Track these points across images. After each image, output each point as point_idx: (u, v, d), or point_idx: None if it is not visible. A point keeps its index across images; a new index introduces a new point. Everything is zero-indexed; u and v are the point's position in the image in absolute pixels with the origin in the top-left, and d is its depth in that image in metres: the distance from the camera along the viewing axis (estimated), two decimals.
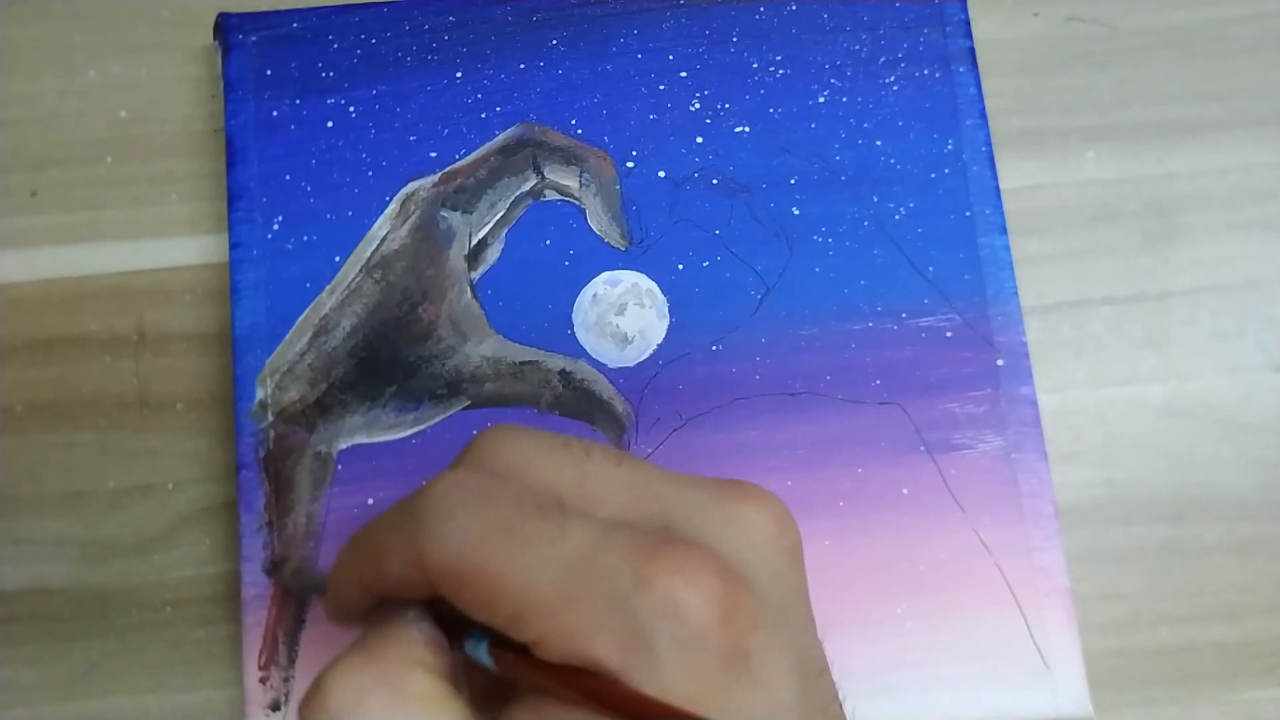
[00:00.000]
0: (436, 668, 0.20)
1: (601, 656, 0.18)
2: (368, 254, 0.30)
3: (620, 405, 0.30)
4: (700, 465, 0.29)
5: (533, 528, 0.19)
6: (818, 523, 0.29)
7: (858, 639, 0.28)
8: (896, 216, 0.30)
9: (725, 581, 0.18)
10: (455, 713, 0.19)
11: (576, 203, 0.31)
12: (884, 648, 0.28)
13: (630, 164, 0.31)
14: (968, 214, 0.30)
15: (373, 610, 0.21)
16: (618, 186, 0.31)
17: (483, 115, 0.31)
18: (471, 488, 0.19)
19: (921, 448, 0.29)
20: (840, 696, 0.20)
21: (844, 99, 0.31)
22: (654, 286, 0.30)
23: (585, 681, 0.18)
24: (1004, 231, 0.30)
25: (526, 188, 0.31)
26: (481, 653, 0.19)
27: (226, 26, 0.32)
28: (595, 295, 0.30)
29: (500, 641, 0.19)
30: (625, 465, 0.21)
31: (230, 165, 0.31)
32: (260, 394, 0.29)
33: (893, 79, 0.31)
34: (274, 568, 0.28)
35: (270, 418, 0.29)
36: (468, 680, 0.20)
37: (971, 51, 0.32)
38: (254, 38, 0.31)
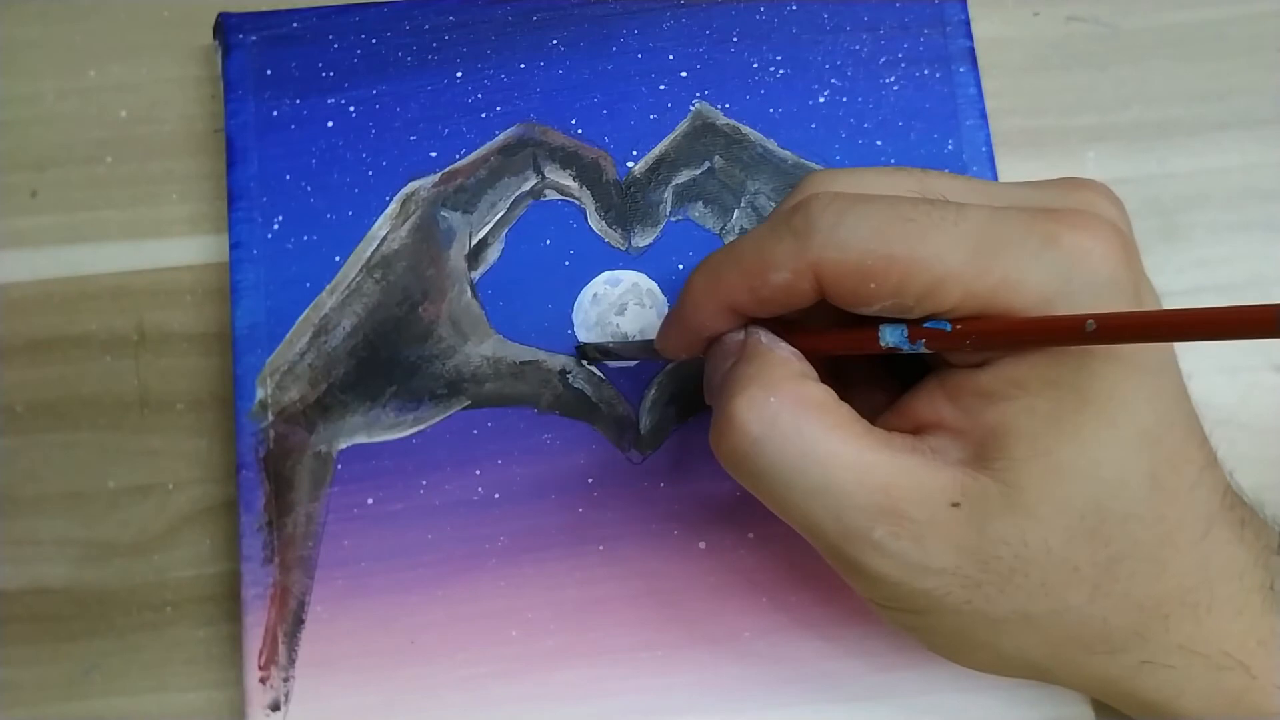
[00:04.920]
0: (815, 377, 0.22)
1: (1025, 309, 0.20)
2: (368, 254, 0.30)
3: (621, 405, 0.30)
4: (700, 465, 0.29)
5: (929, 214, 0.20)
6: None
7: (857, 639, 0.28)
8: None
9: (1118, 233, 0.21)
10: (846, 410, 0.22)
11: (576, 203, 0.31)
12: (884, 647, 0.28)
13: (630, 164, 0.31)
14: None
15: (711, 342, 0.24)
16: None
17: (483, 115, 0.31)
18: (847, 198, 0.21)
19: None
20: None
21: (844, 99, 0.31)
22: (654, 286, 0.30)
23: (1056, 321, 0.20)
24: None
25: (526, 187, 0.31)
26: (899, 336, 0.21)
27: (226, 26, 0.32)
28: (595, 295, 0.30)
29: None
30: (961, 178, 0.23)
31: (230, 165, 0.31)
32: (260, 394, 0.29)
33: (893, 79, 0.31)
34: (580, 350, 0.30)
35: (270, 418, 0.29)
36: None
37: (971, 51, 0.32)
38: (254, 38, 0.31)
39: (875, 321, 0.22)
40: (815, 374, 0.22)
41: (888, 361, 0.25)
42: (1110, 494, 0.21)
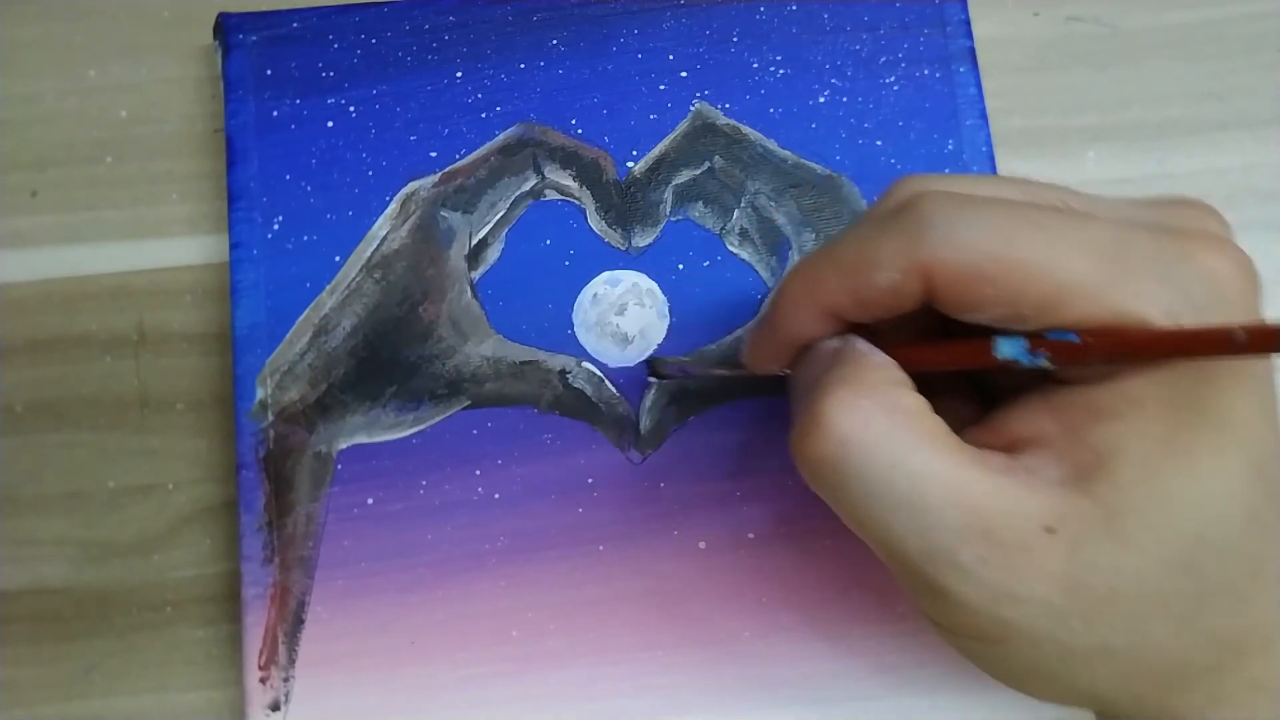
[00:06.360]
0: (911, 386, 0.21)
1: (1154, 324, 0.19)
2: (368, 254, 0.30)
3: (621, 405, 0.30)
4: (700, 465, 0.29)
5: (1055, 220, 0.20)
6: (818, 522, 0.29)
7: (858, 639, 0.28)
8: None
9: (1245, 257, 0.20)
10: (939, 423, 0.21)
11: (576, 203, 0.31)
12: (885, 648, 0.28)
13: (630, 164, 0.31)
14: None
15: (802, 352, 0.23)
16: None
17: (483, 115, 0.31)
18: (963, 198, 0.20)
19: None
20: None
21: (844, 99, 0.31)
22: (654, 286, 0.30)
23: (1200, 333, 0.18)
24: None
25: (526, 188, 0.31)
26: (1018, 349, 0.20)
27: (226, 26, 0.32)
28: (595, 295, 0.30)
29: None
30: (1064, 189, 0.22)
31: (230, 165, 0.31)
32: (260, 394, 0.29)
33: (893, 79, 0.31)
34: (650, 367, 0.29)
35: (270, 418, 0.29)
36: None
37: (971, 51, 0.32)
38: (254, 38, 0.31)
39: (984, 333, 0.21)
40: (912, 383, 0.21)
41: (972, 374, 0.24)
42: (1212, 526, 0.20)
